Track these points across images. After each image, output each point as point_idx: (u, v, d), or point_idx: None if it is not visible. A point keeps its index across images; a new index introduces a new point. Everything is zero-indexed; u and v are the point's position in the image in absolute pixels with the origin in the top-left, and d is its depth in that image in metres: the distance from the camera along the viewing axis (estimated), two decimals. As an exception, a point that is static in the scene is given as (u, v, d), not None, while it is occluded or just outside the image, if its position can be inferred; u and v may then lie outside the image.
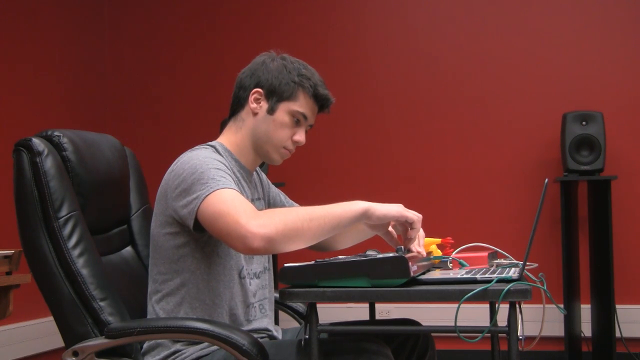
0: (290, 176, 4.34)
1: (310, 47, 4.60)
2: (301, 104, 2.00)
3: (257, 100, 2.00)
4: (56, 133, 1.96)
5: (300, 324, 2.33)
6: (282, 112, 1.99)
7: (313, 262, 1.71)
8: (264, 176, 2.23)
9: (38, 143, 1.90)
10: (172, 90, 4.82)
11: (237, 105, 2.04)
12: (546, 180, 1.82)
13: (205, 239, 1.89)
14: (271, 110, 1.99)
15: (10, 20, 4.00)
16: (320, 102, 2.03)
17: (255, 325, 1.99)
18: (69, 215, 1.88)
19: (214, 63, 4.72)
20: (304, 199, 2.29)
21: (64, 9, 4.46)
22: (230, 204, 1.75)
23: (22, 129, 2.76)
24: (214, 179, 1.81)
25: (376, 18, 4.60)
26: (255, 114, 2.00)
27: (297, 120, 2.00)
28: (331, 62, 4.56)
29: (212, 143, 2.01)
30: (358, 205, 1.82)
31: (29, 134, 1.96)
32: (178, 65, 4.82)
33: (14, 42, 4.02)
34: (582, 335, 4.13)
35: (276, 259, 4.00)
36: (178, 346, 1.88)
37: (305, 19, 4.70)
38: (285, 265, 1.70)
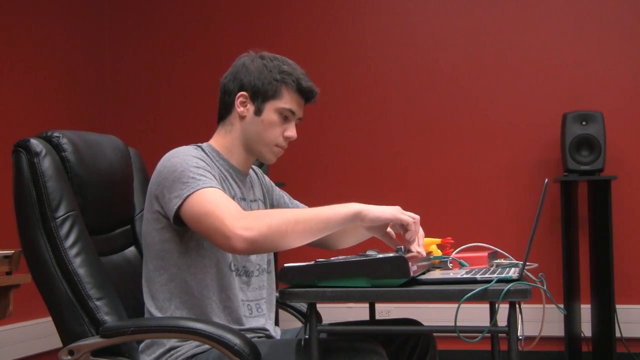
0: (290, 176, 4.33)
1: (311, 47, 4.60)
2: (286, 101, 2.01)
3: (243, 104, 2.02)
4: (55, 134, 1.97)
5: (302, 323, 2.32)
6: (269, 111, 2.01)
7: (313, 262, 1.71)
8: (266, 179, 2.23)
9: (36, 144, 1.91)
10: (172, 90, 4.82)
11: (224, 110, 2.06)
12: (546, 180, 1.82)
13: (189, 233, 1.91)
14: (258, 112, 2.01)
15: (11, 20, 4.00)
16: (305, 95, 2.04)
17: (252, 323, 1.99)
18: (66, 215, 1.89)
19: (214, 63, 4.72)
20: (304, 199, 2.29)
21: (64, 9, 4.46)
22: (214, 203, 1.78)
23: (22, 129, 2.76)
24: (195, 178, 1.83)
25: (376, 18, 4.59)
26: (242, 117, 2.02)
27: (285, 116, 2.02)
28: (332, 62, 4.56)
29: (200, 144, 2.03)
30: (350, 208, 1.82)
31: (29, 134, 1.97)
32: (178, 65, 4.82)
33: (14, 42, 4.02)
34: (582, 335, 4.13)
35: (276, 259, 4.00)
36: (173, 342, 1.89)
37: (306, 19, 4.70)
38: (285, 265, 1.70)
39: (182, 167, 1.86)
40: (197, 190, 1.81)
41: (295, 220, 1.77)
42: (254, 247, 1.74)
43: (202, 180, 1.83)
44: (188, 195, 1.81)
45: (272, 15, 4.73)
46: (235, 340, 1.69)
